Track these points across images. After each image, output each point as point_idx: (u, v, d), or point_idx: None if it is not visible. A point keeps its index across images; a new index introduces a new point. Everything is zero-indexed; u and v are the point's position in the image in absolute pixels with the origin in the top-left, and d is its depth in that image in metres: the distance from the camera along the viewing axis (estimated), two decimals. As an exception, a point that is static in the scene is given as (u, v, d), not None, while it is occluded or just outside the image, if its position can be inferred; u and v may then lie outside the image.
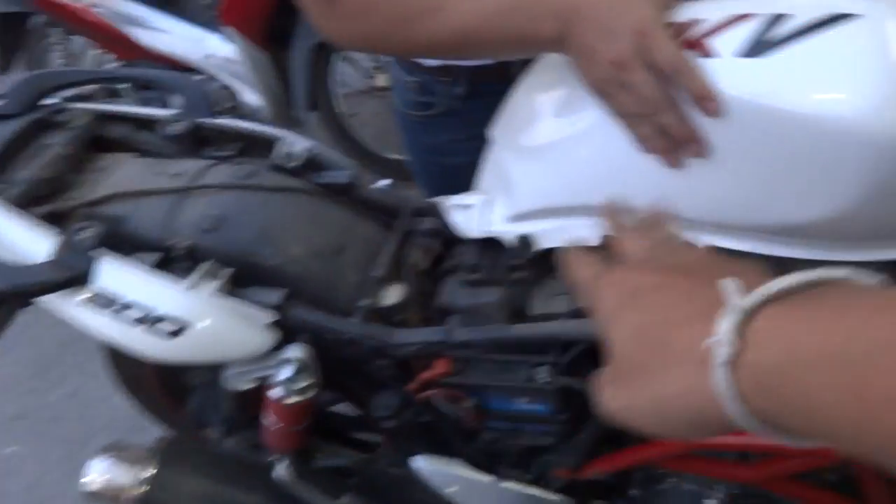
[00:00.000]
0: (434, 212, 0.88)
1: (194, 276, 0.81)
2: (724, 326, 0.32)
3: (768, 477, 0.74)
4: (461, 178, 0.89)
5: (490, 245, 0.81)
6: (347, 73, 2.43)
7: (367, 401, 0.92)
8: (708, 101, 0.56)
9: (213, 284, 0.81)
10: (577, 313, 0.75)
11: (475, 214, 0.80)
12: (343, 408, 1.12)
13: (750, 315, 0.32)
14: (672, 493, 0.82)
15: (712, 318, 0.33)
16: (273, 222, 0.86)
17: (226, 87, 2.53)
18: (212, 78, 2.52)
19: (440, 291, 0.85)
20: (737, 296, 0.33)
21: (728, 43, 0.57)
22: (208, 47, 2.45)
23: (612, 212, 0.50)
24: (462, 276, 0.80)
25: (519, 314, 0.78)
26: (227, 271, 0.82)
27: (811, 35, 0.53)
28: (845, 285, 0.33)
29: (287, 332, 0.84)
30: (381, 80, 2.47)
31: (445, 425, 0.87)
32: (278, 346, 0.85)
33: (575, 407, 0.79)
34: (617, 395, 0.39)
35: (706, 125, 0.58)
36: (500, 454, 0.88)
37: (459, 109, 0.99)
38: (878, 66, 0.51)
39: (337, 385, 0.98)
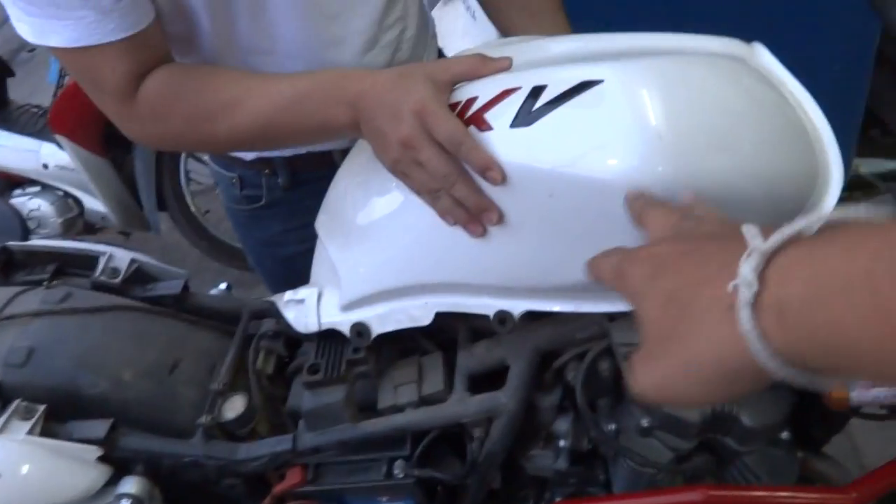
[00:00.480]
0: (273, 312, 0.84)
1: (3, 418, 0.73)
2: (746, 269, 0.32)
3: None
4: (298, 269, 0.85)
5: (332, 338, 0.78)
6: (196, 170, 2.35)
7: (226, 522, 0.85)
8: (489, 172, 0.58)
9: (26, 425, 0.73)
10: (425, 400, 0.73)
11: (309, 309, 0.77)
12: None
13: (771, 257, 0.33)
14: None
15: (737, 267, 0.33)
16: (92, 347, 0.79)
17: (69, 197, 2.40)
18: (53, 188, 2.39)
19: (290, 395, 0.81)
20: (758, 239, 0.33)
21: (500, 116, 0.59)
22: (44, 157, 2.33)
23: (636, 195, 0.50)
24: (305, 378, 0.76)
25: (367, 409, 0.75)
26: (42, 409, 0.74)
27: (565, 102, 0.56)
28: (863, 221, 0.33)
29: (120, 463, 0.77)
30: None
31: (310, 536, 0.82)
32: (115, 479, 0.77)
33: (439, 496, 0.76)
34: (651, 371, 0.38)
35: (496, 194, 0.60)
36: (373, 557, 0.83)
37: (285, 199, 0.97)
38: (626, 126, 0.54)
39: (192, 509, 0.90)
